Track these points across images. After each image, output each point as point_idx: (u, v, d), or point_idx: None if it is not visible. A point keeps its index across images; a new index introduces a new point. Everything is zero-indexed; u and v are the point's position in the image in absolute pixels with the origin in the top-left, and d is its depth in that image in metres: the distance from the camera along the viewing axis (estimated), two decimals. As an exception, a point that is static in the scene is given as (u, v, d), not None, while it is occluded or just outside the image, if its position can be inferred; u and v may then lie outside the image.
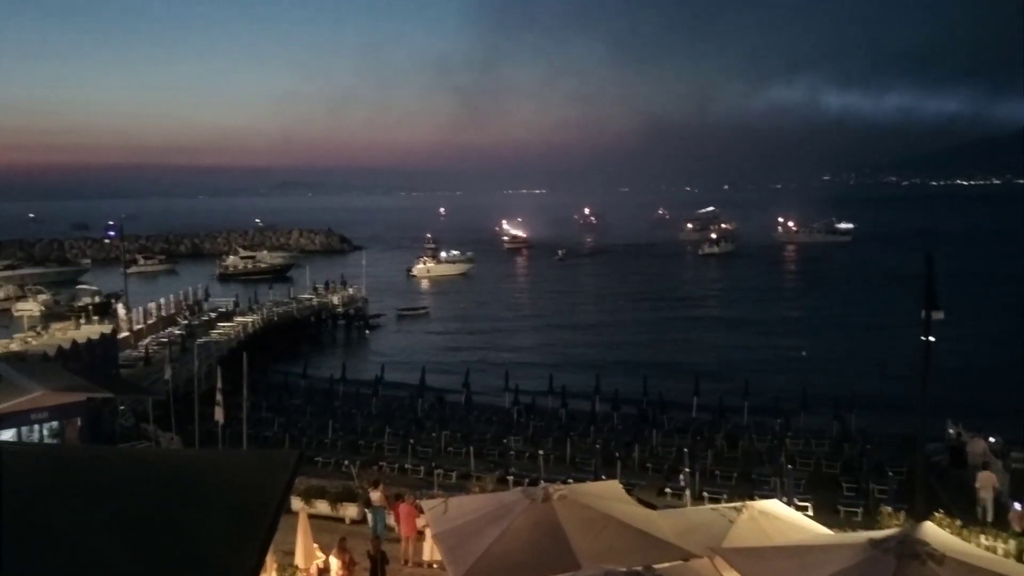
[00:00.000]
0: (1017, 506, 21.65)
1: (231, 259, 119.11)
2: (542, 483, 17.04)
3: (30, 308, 74.24)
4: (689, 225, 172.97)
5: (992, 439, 29.16)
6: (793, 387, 40.14)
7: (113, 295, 72.02)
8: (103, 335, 42.32)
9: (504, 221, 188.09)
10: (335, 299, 71.10)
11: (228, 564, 8.63)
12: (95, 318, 52.42)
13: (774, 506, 14.31)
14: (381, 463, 28.96)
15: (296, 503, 21.09)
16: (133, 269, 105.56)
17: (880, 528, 16.70)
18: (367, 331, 71.56)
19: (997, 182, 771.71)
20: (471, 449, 29.70)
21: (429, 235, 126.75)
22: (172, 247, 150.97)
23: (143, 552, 8.94)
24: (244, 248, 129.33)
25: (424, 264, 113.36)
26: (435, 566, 17.35)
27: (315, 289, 73.45)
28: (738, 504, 13.94)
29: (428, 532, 16.29)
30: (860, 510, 23.67)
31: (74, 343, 38.56)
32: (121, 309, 55.75)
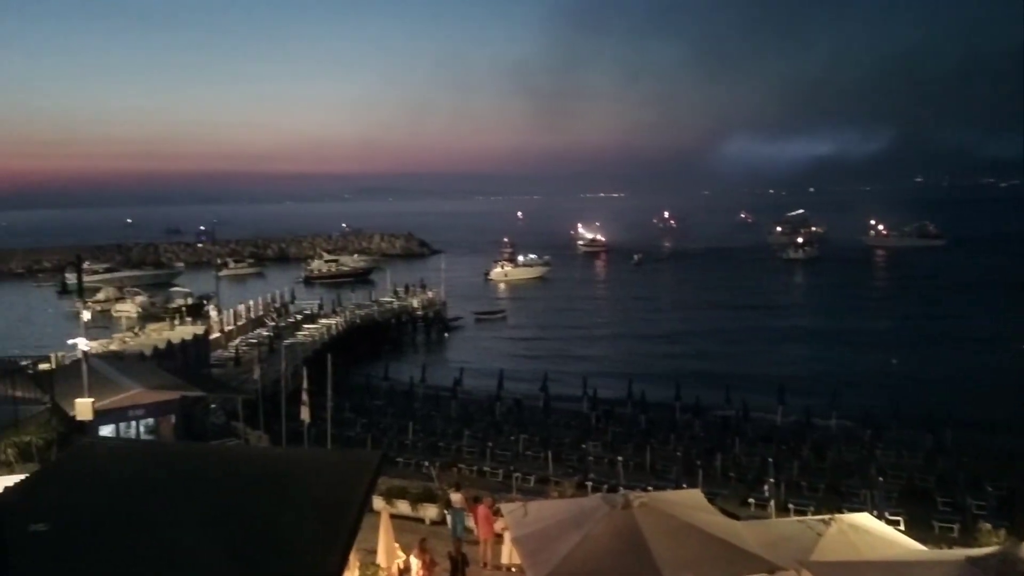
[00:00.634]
0: None
1: (316, 263, 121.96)
2: (622, 490, 16.86)
3: (128, 309, 78.00)
4: (778, 228, 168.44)
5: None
6: (883, 397, 38.70)
7: (205, 297, 74.85)
8: (196, 336, 44.07)
9: (580, 225, 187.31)
10: (415, 302, 72.13)
11: (314, 560, 8.84)
12: (188, 319, 54.64)
13: (864, 520, 13.79)
14: (460, 465, 29.18)
15: (378, 503, 21.40)
16: (224, 272, 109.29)
17: (978, 546, 15.93)
18: (446, 334, 72.30)
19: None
20: (549, 453, 29.64)
21: (506, 239, 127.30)
22: (260, 251, 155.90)
23: (233, 545, 9.24)
24: (328, 252, 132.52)
25: (502, 268, 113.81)
26: (513, 569, 17.35)
27: (395, 292, 74.70)
28: (826, 516, 13.49)
29: (506, 535, 16.32)
30: (956, 526, 22.62)
31: (169, 343, 40.27)
32: (213, 311, 57.86)
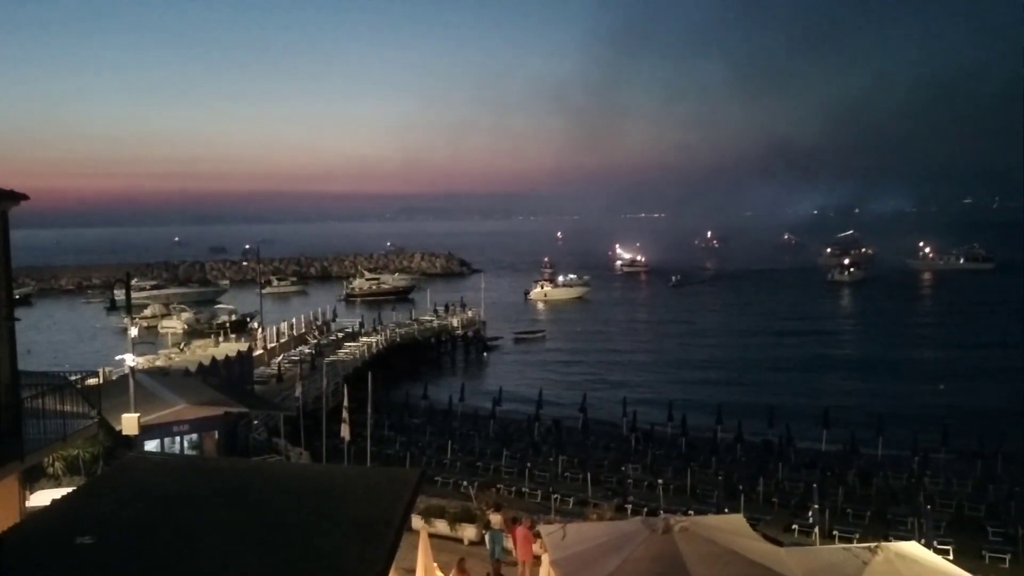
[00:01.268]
0: None
1: (357, 281, 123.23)
2: (662, 513, 16.66)
3: (174, 326, 79.57)
4: (828, 250, 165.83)
5: None
6: (931, 424, 37.66)
7: (249, 314, 76.02)
8: (239, 352, 44.71)
9: (617, 245, 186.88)
10: (455, 321, 72.42)
11: (354, 578, 8.90)
12: (232, 336, 55.49)
13: (912, 548, 13.44)
14: (498, 485, 29.11)
15: (417, 521, 21.42)
16: (267, 290, 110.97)
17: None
18: (485, 353, 72.39)
19: None
20: (588, 475, 29.43)
21: (546, 259, 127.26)
22: (303, 269, 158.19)
23: (274, 560, 9.34)
24: (369, 271, 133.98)
25: (541, 288, 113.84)
26: (552, 592, 17.21)
27: (435, 311, 75.09)
28: (872, 545, 13.17)
29: (545, 557, 16.21)
30: (1008, 556, 21.92)
31: (213, 359, 40.91)
32: (256, 328, 58.70)
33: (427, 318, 72.47)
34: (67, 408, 24.29)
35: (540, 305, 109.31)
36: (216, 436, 27.96)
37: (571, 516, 22.08)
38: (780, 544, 15.98)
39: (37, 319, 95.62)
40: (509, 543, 19.85)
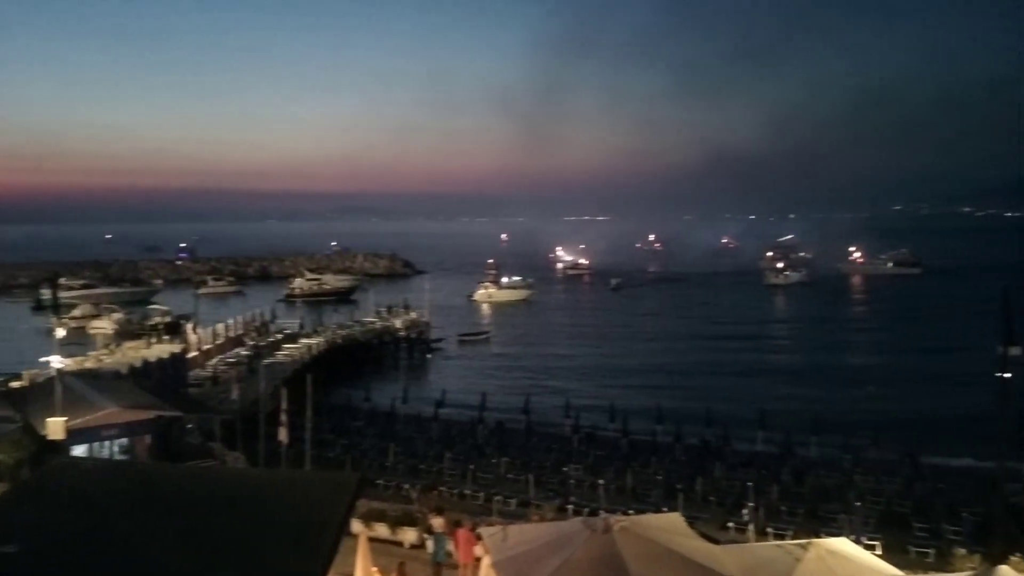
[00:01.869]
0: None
1: (298, 281, 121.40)
2: (602, 513, 16.82)
3: (104, 326, 77.13)
4: (769, 254, 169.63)
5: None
6: (863, 422, 38.89)
7: (183, 316, 74.21)
8: (173, 354, 43.60)
9: (559, 247, 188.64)
10: (398, 323, 71.88)
11: (290, 584, 8.75)
12: (166, 337, 54.06)
13: (842, 544, 13.83)
14: (441, 488, 29.01)
15: (356, 526, 21.19)
16: (203, 290, 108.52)
17: (953, 571, 16.05)
18: (428, 355, 72.07)
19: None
20: (531, 477, 29.53)
21: (491, 260, 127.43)
22: (241, 269, 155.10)
23: (208, 568, 9.12)
24: (310, 271, 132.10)
25: (486, 290, 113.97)
26: (493, 594, 17.21)
27: (378, 313, 74.43)
28: (804, 541, 13.51)
29: (486, 559, 16.21)
30: (932, 551, 22.70)
31: (145, 361, 39.82)
32: (191, 329, 57.37)
33: (370, 319, 71.79)
34: (-12, 412, 23.48)
35: (485, 307, 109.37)
36: (148, 440, 27.23)
37: (513, 518, 22.17)
38: (716, 542, 16.26)
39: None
40: (451, 546, 19.81)
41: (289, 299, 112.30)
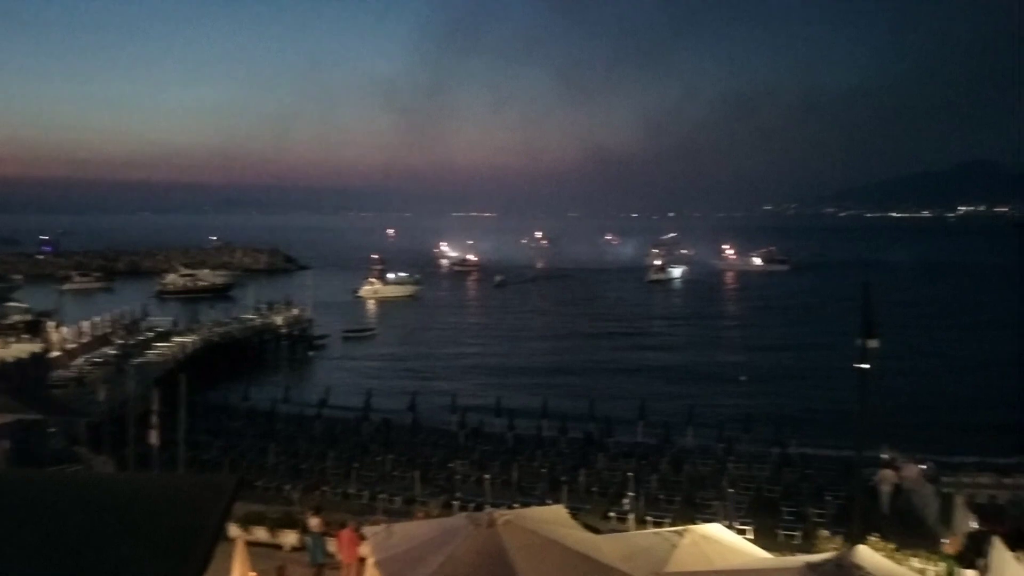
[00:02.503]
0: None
1: (171, 277, 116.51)
2: (487, 508, 16.92)
3: (-44, 325, 71.36)
4: (654, 250, 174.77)
5: (924, 465, 30.00)
6: (736, 412, 40.73)
7: (45, 313, 69.62)
8: (34, 354, 40.86)
9: (443, 243, 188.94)
10: (279, 319, 69.96)
11: (161, 593, 8.35)
12: (25, 337, 50.64)
13: (716, 530, 14.43)
14: (324, 488, 28.44)
15: (234, 530, 20.52)
16: (67, 286, 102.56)
17: (817, 552, 16.98)
18: (311, 352, 70.55)
19: (928, 215, 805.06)
20: (416, 473, 29.37)
21: (376, 256, 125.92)
22: (110, 264, 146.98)
23: (71, 581, 8.60)
24: (185, 266, 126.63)
25: (371, 285, 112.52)
26: (377, 594, 17.01)
27: (258, 309, 72.18)
28: (680, 528, 14.02)
29: (369, 560, 16.02)
30: (799, 534, 24.01)
31: (2, 362, 37.17)
32: (52, 327, 54.02)
33: (249, 316, 69.51)
34: None
35: (371, 303, 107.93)
36: (6, 446, 25.46)
37: (398, 515, 21.97)
38: (598, 531, 16.65)
39: None
40: (334, 546, 19.45)
41: (162, 295, 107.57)
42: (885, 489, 28.62)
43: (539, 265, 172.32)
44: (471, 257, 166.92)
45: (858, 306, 20.99)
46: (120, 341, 55.66)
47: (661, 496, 27.99)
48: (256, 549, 19.31)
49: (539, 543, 11.88)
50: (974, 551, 19.96)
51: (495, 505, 20.53)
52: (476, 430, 38.67)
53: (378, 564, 12.61)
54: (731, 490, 26.66)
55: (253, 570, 15.87)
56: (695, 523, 15.86)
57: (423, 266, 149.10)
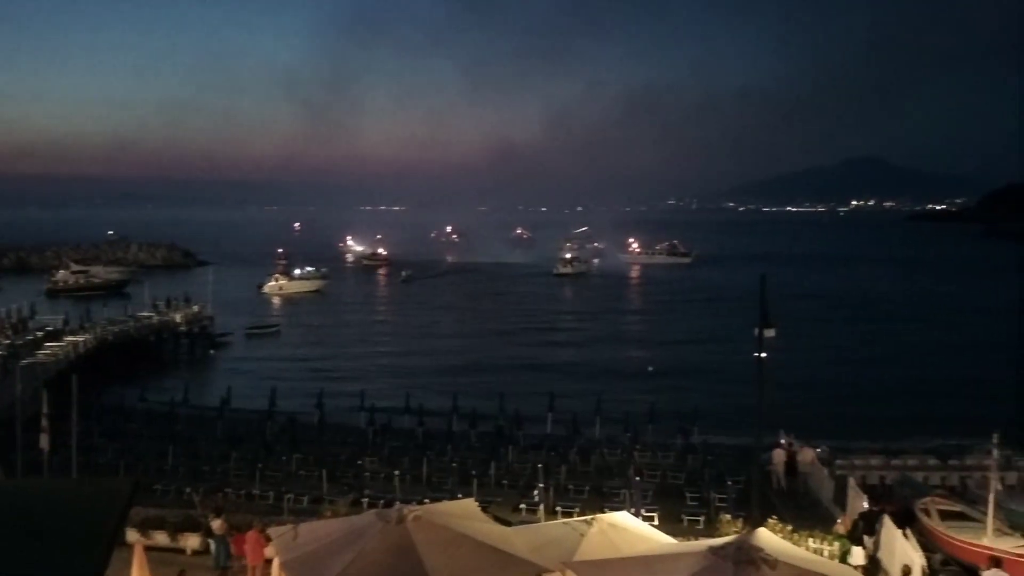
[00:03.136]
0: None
1: (61, 274, 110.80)
2: (397, 504, 16.78)
3: None
4: (567, 244, 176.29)
5: (819, 448, 31.47)
6: (642, 403, 41.64)
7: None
8: (-93, 357, 38.24)
9: (348, 237, 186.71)
10: (177, 317, 67.48)
11: (51, 605, 7.96)
12: (-103, 338, 47.33)
13: (622, 518, 14.77)
14: (226, 489, 27.64)
15: (131, 535, 19.75)
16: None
17: (720, 535, 17.58)
18: (212, 350, 68.38)
19: (822, 209, 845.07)
20: (324, 472, 28.87)
21: (281, 250, 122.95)
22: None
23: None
24: (77, 262, 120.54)
25: (276, 281, 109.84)
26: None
27: (155, 306, 69.42)
28: (589, 517, 14.29)
29: (276, 560, 15.68)
30: (702, 518, 24.80)
31: None
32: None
33: (146, 314, 66.75)
34: None
35: (275, 299, 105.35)
36: None
37: (305, 515, 21.57)
38: (508, 524, 16.77)
39: None
40: (240, 548, 18.94)
41: (51, 293, 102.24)
42: (777, 467, 30.05)
43: (450, 259, 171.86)
44: (381, 251, 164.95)
45: (756, 297, 21.82)
46: (6, 341, 52.55)
47: (570, 487, 28.40)
48: (156, 554, 18.68)
49: (449, 537, 11.88)
50: (865, 529, 21.14)
51: (405, 501, 20.36)
52: (385, 427, 38.28)
53: (284, 565, 12.37)
54: (637, 478, 27.29)
55: (152, 575, 15.34)
56: (603, 512, 16.18)
57: (329, 261, 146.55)
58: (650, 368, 59.80)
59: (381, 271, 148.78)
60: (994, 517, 21.13)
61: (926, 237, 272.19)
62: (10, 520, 9.94)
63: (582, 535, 13.28)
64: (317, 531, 13.03)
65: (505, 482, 29.21)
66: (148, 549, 16.82)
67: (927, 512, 23.81)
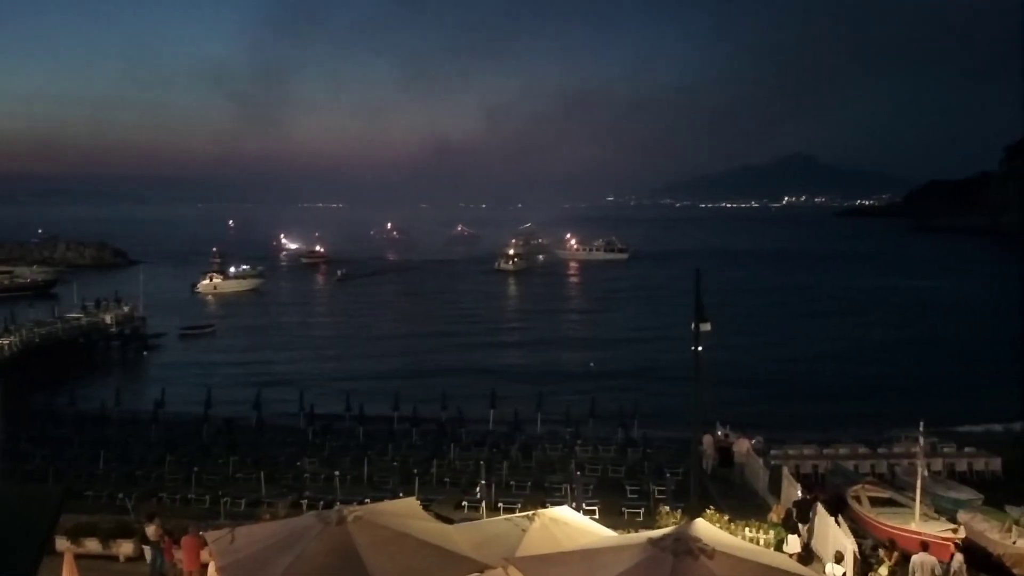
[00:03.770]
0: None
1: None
2: (337, 505, 16.63)
3: None
4: (513, 240, 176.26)
5: (754, 439, 32.25)
6: (582, 398, 42.02)
7: None
8: None
9: (283, 235, 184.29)
10: (108, 318, 65.50)
11: (-25, 619, 7.68)
12: None
13: (564, 512, 14.91)
14: (161, 494, 26.98)
15: (61, 543, 19.15)
16: None
17: (659, 527, 17.89)
18: (145, 352, 66.58)
19: (756, 205, 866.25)
20: (262, 474, 28.38)
21: (215, 249, 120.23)
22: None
23: None
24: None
25: (210, 280, 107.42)
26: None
27: (84, 307, 67.23)
28: (530, 513, 14.38)
29: (212, 565, 15.39)
30: (642, 510, 25.19)
31: None
32: None
33: (74, 315, 64.60)
34: None
35: (210, 299, 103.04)
36: None
37: (242, 519, 21.21)
38: (451, 521, 16.76)
39: None
40: (178, 554, 18.53)
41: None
42: (708, 452, 30.80)
43: (391, 257, 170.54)
44: (319, 249, 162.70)
45: (691, 292, 22.25)
46: (-79, 346, 50.32)
47: (512, 482, 28.51)
48: (87, 562, 18.15)
49: (390, 537, 11.84)
50: (799, 517, 21.79)
51: (346, 502, 20.19)
52: (326, 427, 37.81)
53: (222, 570, 12.14)
54: (578, 473, 27.56)
55: (84, 585, 14.90)
56: (545, 507, 16.31)
57: (267, 259, 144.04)
58: (591, 364, 60.36)
59: (320, 269, 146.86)
60: (921, 503, 22.00)
61: (858, 232, 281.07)
62: (-70, 532, 9.55)
63: (524, 530, 13.37)
64: (255, 534, 12.82)
65: (447, 480, 29.18)
66: (79, 557, 16.34)
67: (858, 499, 24.67)
